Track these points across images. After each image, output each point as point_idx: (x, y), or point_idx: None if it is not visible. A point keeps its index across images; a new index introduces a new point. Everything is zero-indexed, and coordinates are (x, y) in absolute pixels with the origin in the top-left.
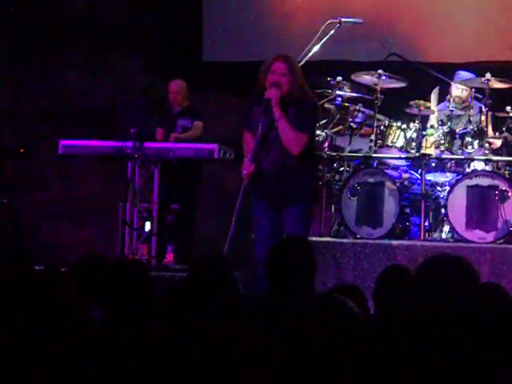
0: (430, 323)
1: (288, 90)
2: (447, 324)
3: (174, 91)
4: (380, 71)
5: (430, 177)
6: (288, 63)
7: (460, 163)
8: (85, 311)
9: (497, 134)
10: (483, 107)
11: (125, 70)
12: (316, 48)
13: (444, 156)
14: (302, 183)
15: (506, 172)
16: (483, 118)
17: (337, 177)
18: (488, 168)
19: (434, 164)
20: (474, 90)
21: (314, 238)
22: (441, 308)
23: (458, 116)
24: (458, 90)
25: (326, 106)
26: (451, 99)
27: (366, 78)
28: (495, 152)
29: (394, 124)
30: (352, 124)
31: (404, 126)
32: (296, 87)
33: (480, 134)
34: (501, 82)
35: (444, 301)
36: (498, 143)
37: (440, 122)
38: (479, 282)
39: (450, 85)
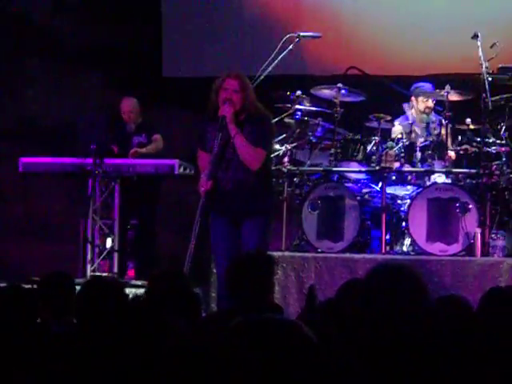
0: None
1: (241, 106)
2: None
3: (128, 110)
4: (339, 85)
5: (390, 190)
6: (239, 80)
7: (420, 176)
8: (49, 326)
9: (456, 146)
10: (443, 120)
11: (85, 86)
12: (275, 62)
13: (404, 169)
14: (260, 199)
15: (467, 184)
16: (443, 130)
17: (297, 191)
18: (448, 180)
19: (394, 177)
20: (434, 102)
21: (275, 253)
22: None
23: (419, 129)
24: (426, 102)
25: (286, 120)
26: (416, 111)
27: (326, 92)
28: (455, 164)
29: (354, 138)
30: (312, 138)
31: (364, 139)
32: (249, 103)
33: (440, 147)
34: (460, 94)
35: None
36: (453, 155)
37: (400, 135)
38: (426, 291)
39: (409, 97)
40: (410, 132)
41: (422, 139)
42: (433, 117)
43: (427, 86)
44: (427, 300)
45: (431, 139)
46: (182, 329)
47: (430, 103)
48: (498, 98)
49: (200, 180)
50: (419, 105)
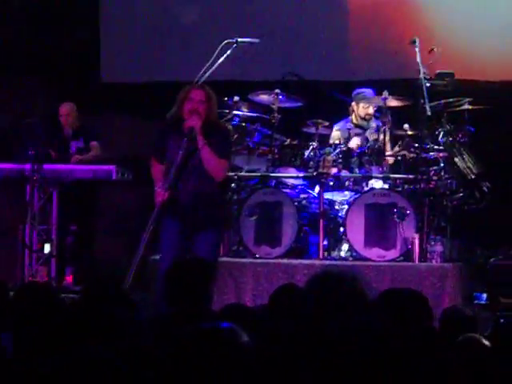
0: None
1: (206, 117)
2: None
3: (65, 113)
4: (277, 90)
5: (328, 196)
6: (205, 91)
7: (358, 182)
8: None
9: (394, 151)
10: (381, 125)
11: (23, 92)
12: (213, 68)
13: (342, 174)
14: (217, 211)
15: (404, 189)
16: (381, 136)
17: (235, 197)
18: (386, 186)
19: (331, 183)
20: (375, 108)
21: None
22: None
23: (356, 134)
24: (367, 108)
25: None
26: (356, 117)
27: (264, 98)
28: (393, 170)
29: (292, 143)
30: (249, 144)
31: (302, 145)
32: (212, 114)
33: (378, 153)
34: (398, 100)
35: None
36: (391, 161)
37: (338, 141)
38: (365, 296)
39: (349, 103)
40: (349, 137)
41: (359, 145)
42: (373, 123)
43: (368, 91)
44: (366, 304)
45: (369, 145)
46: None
47: (371, 110)
48: (435, 103)
49: (155, 190)
50: (359, 111)
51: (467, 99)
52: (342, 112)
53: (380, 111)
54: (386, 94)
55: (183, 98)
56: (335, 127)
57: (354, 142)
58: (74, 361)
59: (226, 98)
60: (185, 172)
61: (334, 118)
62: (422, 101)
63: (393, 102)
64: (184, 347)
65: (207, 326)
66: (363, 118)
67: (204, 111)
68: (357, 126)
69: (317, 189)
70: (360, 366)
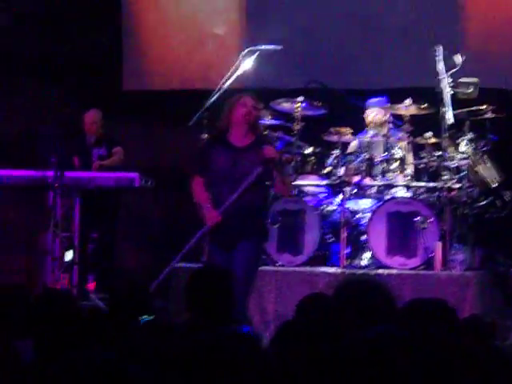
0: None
1: (254, 124)
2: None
3: (90, 121)
4: (300, 98)
5: (350, 204)
6: (255, 99)
7: (380, 190)
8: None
9: (416, 160)
10: (403, 133)
11: (44, 99)
12: (235, 76)
13: (364, 183)
14: (261, 221)
15: (427, 197)
16: (403, 144)
17: None
18: (408, 194)
19: (354, 191)
20: (390, 115)
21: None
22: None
23: (378, 143)
24: (370, 115)
25: None
26: (369, 124)
27: (286, 106)
28: (415, 178)
29: (314, 151)
30: None
31: (324, 153)
32: (258, 124)
33: (400, 161)
34: (420, 108)
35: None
36: (413, 169)
37: (360, 150)
38: (395, 304)
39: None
40: (370, 146)
41: (381, 153)
42: (394, 131)
43: (375, 99)
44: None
45: (391, 153)
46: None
47: (373, 118)
48: (458, 111)
49: (204, 207)
50: (367, 119)
51: (490, 107)
52: (362, 119)
53: (401, 119)
54: (408, 101)
55: (233, 106)
56: (356, 136)
57: (354, 146)
58: (85, 365)
59: None
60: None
61: (356, 127)
62: (444, 109)
63: (414, 110)
64: (204, 351)
65: (227, 331)
66: (377, 125)
67: (253, 118)
68: (374, 134)
69: (339, 197)
70: (387, 377)
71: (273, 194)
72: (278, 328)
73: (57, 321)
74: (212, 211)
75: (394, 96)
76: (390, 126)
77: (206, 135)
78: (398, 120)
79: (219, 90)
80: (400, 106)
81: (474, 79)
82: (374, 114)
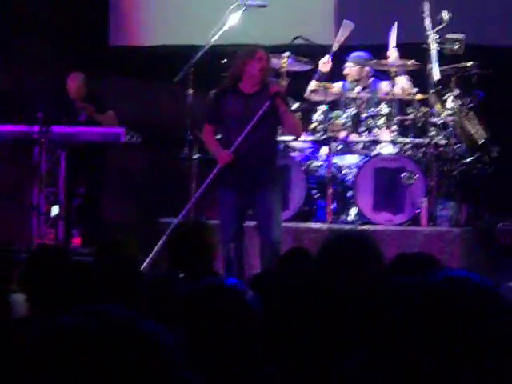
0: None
1: (266, 77)
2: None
3: (74, 87)
4: (286, 54)
5: (336, 160)
6: (267, 53)
7: (366, 146)
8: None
9: (403, 116)
10: (388, 89)
11: (31, 54)
12: (221, 32)
13: (350, 139)
14: (275, 172)
15: (413, 154)
16: (389, 100)
17: None
18: (395, 150)
19: (340, 147)
20: (370, 70)
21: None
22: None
23: (364, 99)
24: (346, 69)
25: None
26: (351, 79)
27: (272, 61)
28: (402, 134)
29: (300, 107)
30: None
31: (310, 108)
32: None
33: (386, 117)
34: (406, 64)
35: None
36: (399, 125)
37: (346, 105)
38: (382, 259)
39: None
40: (356, 101)
41: (368, 109)
42: (380, 86)
43: (357, 53)
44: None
45: (377, 109)
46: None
47: (349, 71)
48: (444, 68)
49: (215, 153)
50: (346, 70)
51: (476, 64)
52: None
53: (388, 75)
54: (394, 56)
55: (248, 59)
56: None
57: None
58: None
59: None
60: (251, 134)
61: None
62: (431, 65)
63: (399, 66)
64: (187, 304)
65: (211, 283)
66: (354, 79)
67: (268, 72)
68: (351, 87)
69: (326, 153)
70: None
71: None
72: (255, 278)
73: (53, 276)
74: (223, 151)
75: (381, 52)
76: (371, 80)
77: (217, 87)
78: (384, 75)
79: (206, 45)
80: (385, 60)
81: (461, 35)
82: (352, 66)
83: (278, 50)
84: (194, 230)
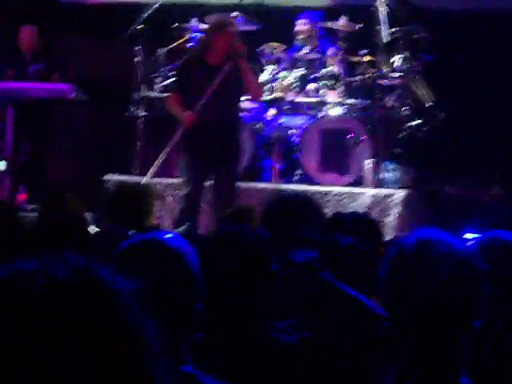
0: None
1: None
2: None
3: (25, 38)
4: (235, 13)
5: (283, 120)
6: (235, 27)
7: (314, 107)
8: None
9: (350, 77)
10: (337, 50)
11: None
12: None
13: (297, 99)
14: (238, 137)
15: (360, 115)
16: (337, 61)
17: None
18: (342, 112)
19: (287, 107)
20: (318, 30)
21: (164, 180)
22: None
23: (312, 60)
24: (297, 26)
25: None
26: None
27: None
28: (349, 95)
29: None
30: None
31: (258, 68)
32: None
33: (334, 78)
34: (354, 25)
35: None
36: (347, 86)
37: (293, 66)
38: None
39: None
40: (304, 62)
41: (315, 70)
42: (328, 47)
43: (310, 13)
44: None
45: (325, 70)
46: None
47: (298, 28)
48: (393, 30)
49: (181, 115)
50: (296, 27)
51: (424, 27)
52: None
53: (336, 36)
54: (343, 18)
55: (217, 33)
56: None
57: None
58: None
59: (184, 24)
60: (215, 97)
61: (291, 42)
62: (380, 27)
63: (348, 27)
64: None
65: (148, 237)
66: (302, 37)
67: (236, 45)
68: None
69: (272, 113)
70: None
71: None
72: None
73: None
74: (187, 112)
75: (330, 13)
76: (319, 41)
77: (184, 57)
78: (333, 37)
79: (155, 3)
80: (334, 22)
81: None
82: (302, 24)
83: (226, 9)
84: (134, 189)
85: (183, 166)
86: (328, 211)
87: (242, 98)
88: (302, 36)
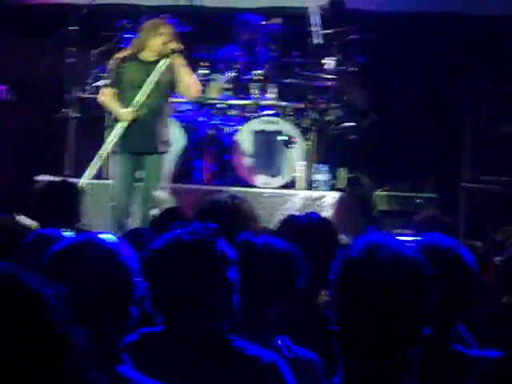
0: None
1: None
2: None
3: None
4: (166, 15)
5: (215, 121)
6: (170, 27)
7: (246, 108)
8: None
9: (283, 79)
10: (270, 52)
11: None
12: None
13: (230, 101)
14: (166, 132)
15: (292, 117)
16: (270, 63)
17: None
18: (274, 113)
19: (220, 108)
20: (252, 31)
21: (98, 180)
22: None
23: (245, 61)
24: (230, 29)
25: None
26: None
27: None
28: (282, 97)
29: None
30: None
31: (192, 69)
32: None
33: (266, 79)
34: (288, 28)
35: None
36: (280, 88)
37: (226, 67)
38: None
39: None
40: (238, 64)
41: (247, 71)
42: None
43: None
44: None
45: (258, 71)
46: None
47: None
48: (325, 32)
49: (118, 112)
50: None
51: (357, 29)
52: (231, 38)
53: (269, 38)
54: (277, 20)
55: (150, 33)
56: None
57: None
58: None
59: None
60: (150, 94)
61: (223, 44)
62: (312, 29)
63: (281, 29)
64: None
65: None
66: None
67: (169, 45)
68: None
69: (204, 113)
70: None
71: None
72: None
73: None
74: (125, 109)
75: (264, 15)
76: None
77: (118, 54)
78: (266, 39)
79: (86, 5)
80: (268, 24)
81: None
82: (237, 26)
83: (159, 10)
84: (61, 189)
85: (117, 165)
86: (260, 213)
87: (177, 99)
88: (235, 37)
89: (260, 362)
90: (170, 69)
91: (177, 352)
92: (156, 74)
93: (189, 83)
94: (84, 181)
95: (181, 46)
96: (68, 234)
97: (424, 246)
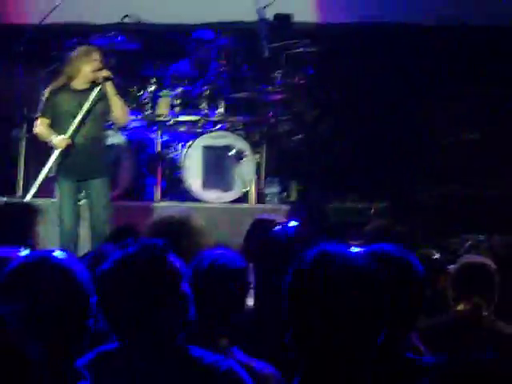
0: None
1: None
2: None
3: None
4: (113, 33)
5: (165, 137)
6: (100, 54)
7: (196, 124)
8: None
9: (233, 93)
10: (219, 67)
11: None
12: (51, 10)
13: (180, 117)
14: (105, 155)
15: (242, 131)
16: (219, 77)
17: None
18: (224, 128)
19: (169, 125)
20: (201, 47)
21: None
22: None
23: (194, 77)
24: (178, 44)
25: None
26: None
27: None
28: (231, 111)
29: (129, 86)
30: None
31: (139, 86)
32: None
33: (215, 94)
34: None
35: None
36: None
37: (174, 83)
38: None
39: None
40: (186, 79)
41: (197, 87)
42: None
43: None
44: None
45: (207, 86)
46: None
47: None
48: (274, 45)
49: (53, 140)
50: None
51: (306, 41)
52: (179, 54)
53: (218, 53)
54: (227, 35)
55: (81, 61)
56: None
57: None
58: None
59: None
60: (84, 121)
61: (171, 60)
62: (260, 42)
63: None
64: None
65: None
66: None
67: (100, 71)
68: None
69: (154, 130)
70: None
71: None
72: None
73: None
74: (59, 136)
75: (216, 31)
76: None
77: (51, 84)
78: (215, 54)
79: (36, 24)
80: (217, 39)
81: (289, 13)
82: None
83: (108, 28)
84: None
85: (57, 192)
86: (212, 228)
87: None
88: (184, 54)
89: (219, 369)
90: (103, 96)
91: (135, 367)
92: (89, 103)
93: (118, 111)
94: (27, 199)
95: (111, 74)
96: (23, 253)
97: (373, 255)
